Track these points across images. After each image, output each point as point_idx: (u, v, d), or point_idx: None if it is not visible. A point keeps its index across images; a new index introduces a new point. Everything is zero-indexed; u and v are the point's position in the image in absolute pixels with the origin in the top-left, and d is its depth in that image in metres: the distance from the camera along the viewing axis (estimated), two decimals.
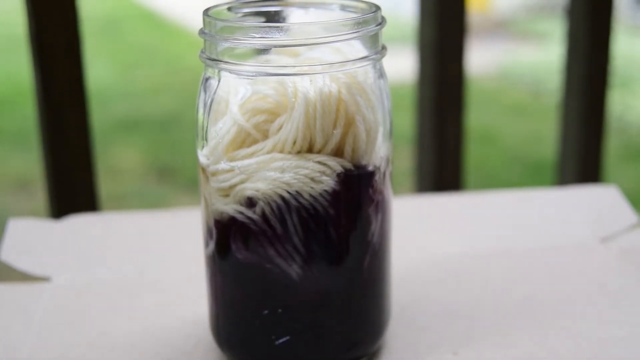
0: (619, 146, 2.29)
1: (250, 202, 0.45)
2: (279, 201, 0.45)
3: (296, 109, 0.44)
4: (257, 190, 0.45)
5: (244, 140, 0.45)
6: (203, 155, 0.47)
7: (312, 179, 0.45)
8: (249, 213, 0.45)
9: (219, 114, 0.46)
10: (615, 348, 0.50)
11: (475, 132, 1.86)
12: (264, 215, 0.45)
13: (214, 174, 0.46)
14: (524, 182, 2.08)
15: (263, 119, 0.45)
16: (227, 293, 0.48)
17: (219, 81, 0.46)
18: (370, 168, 0.46)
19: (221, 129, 0.46)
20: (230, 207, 0.46)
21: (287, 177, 0.44)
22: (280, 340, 0.47)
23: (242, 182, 0.45)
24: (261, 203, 0.45)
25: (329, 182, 0.45)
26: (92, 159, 0.77)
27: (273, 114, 0.45)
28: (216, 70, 0.45)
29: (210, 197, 0.47)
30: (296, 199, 0.45)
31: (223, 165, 0.46)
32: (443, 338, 0.52)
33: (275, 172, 0.45)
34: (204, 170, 0.47)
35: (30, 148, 2.08)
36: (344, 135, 0.45)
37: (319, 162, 0.45)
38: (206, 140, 0.47)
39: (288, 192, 0.45)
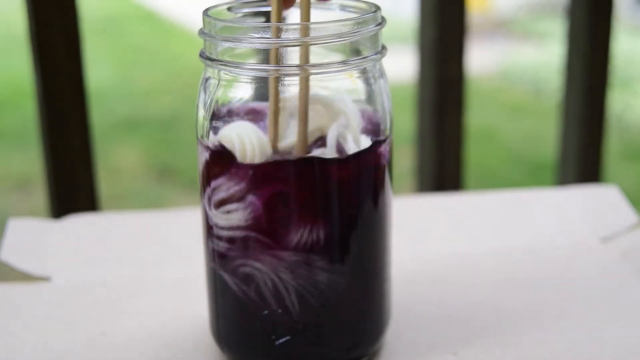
0: (619, 146, 2.29)
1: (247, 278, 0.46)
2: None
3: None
4: (258, 271, 0.46)
5: None
6: (213, 215, 0.47)
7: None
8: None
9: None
10: (615, 348, 0.50)
11: (475, 132, 1.86)
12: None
13: (219, 237, 0.47)
14: (524, 182, 2.08)
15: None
16: (227, 293, 0.48)
17: (218, 81, 0.46)
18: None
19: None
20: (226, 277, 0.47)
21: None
22: (280, 340, 0.47)
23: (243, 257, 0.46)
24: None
25: None
26: (92, 158, 0.77)
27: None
28: (216, 70, 0.45)
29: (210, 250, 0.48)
30: None
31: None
32: (443, 338, 0.52)
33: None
34: (207, 218, 0.47)
35: (30, 148, 2.07)
36: None
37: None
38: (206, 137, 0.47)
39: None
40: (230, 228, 0.46)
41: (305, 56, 0.44)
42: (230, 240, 0.46)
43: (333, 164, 0.45)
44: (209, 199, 0.47)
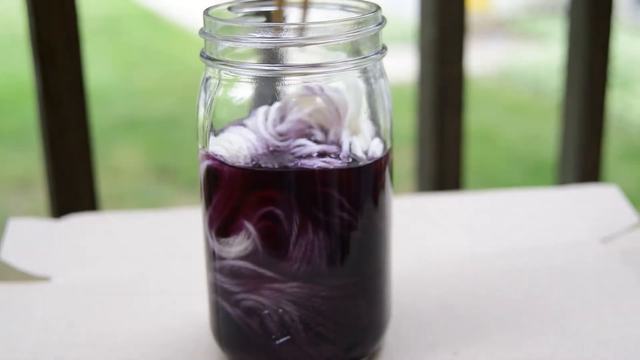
0: (619, 146, 2.29)
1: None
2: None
3: None
4: (261, 304, 0.46)
5: None
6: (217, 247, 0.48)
7: None
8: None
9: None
10: (615, 348, 0.50)
11: (475, 132, 1.86)
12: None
13: (221, 270, 0.47)
14: (524, 182, 2.07)
15: None
16: (227, 293, 0.48)
17: (219, 81, 0.46)
18: None
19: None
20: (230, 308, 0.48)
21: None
22: (280, 340, 0.47)
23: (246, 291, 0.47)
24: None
25: None
26: (92, 158, 0.77)
27: None
28: (216, 70, 0.45)
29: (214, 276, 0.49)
30: None
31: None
32: (443, 338, 0.52)
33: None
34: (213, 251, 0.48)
35: (30, 148, 2.07)
36: None
37: None
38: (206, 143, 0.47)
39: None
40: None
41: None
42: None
43: (333, 169, 0.45)
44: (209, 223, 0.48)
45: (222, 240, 0.47)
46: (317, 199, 0.45)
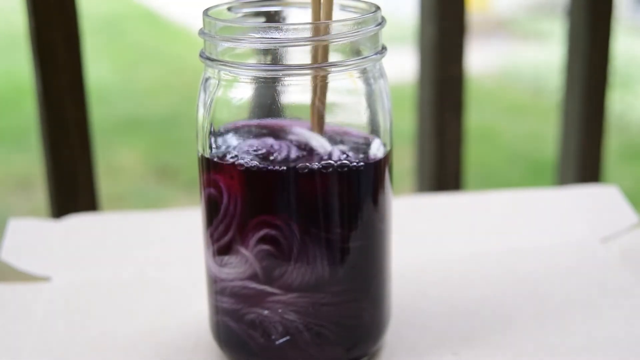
0: (619, 146, 2.29)
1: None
2: None
3: None
4: (262, 315, 0.46)
5: None
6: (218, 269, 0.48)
7: None
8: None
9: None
10: (615, 348, 0.50)
11: (475, 132, 1.86)
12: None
13: (222, 292, 0.48)
14: (524, 182, 2.07)
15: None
16: (226, 293, 0.48)
17: (219, 81, 0.46)
18: None
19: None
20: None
21: None
22: (280, 341, 0.47)
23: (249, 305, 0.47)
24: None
25: None
26: (92, 158, 0.77)
27: None
28: (216, 70, 0.45)
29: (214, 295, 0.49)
30: None
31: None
32: (443, 338, 0.52)
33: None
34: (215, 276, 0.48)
35: (30, 148, 2.07)
36: None
37: None
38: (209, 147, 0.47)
39: None
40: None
41: (317, 56, 0.44)
42: None
43: (333, 169, 0.45)
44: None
45: (221, 262, 0.47)
46: (317, 202, 0.45)
